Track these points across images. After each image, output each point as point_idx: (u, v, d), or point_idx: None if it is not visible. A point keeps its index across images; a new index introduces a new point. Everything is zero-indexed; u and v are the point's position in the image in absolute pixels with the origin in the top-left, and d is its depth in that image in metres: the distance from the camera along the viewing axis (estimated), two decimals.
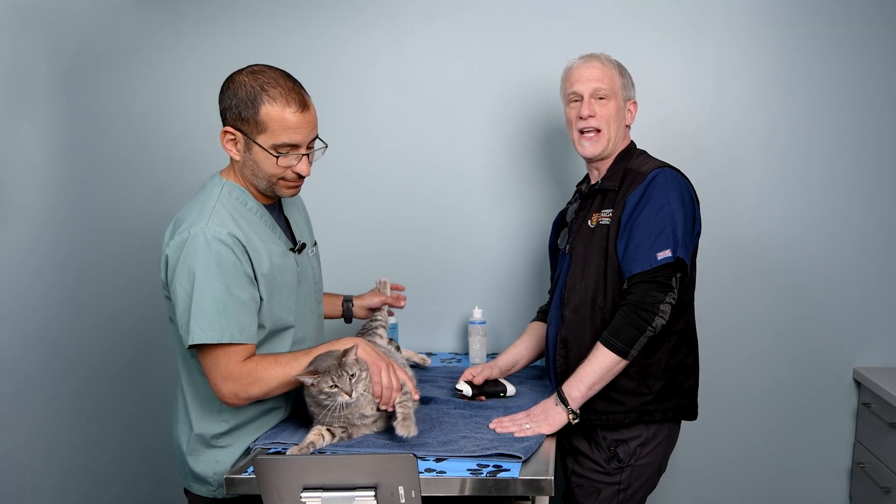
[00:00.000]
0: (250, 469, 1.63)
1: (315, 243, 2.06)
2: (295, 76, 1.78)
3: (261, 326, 1.75)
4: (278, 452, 1.70)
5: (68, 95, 2.67)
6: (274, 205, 1.87)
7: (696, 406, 2.05)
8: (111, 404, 2.78)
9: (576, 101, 2.04)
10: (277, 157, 1.70)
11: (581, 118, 2.01)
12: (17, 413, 2.67)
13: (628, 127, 2.08)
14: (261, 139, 1.70)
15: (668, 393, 1.97)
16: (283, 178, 1.75)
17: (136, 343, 2.76)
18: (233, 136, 1.73)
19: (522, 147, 2.64)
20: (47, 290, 2.70)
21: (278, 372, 1.69)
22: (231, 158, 1.78)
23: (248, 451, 1.78)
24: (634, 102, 2.08)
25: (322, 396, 1.67)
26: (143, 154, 2.70)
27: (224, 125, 1.73)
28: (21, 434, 2.67)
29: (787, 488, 2.71)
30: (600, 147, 2.02)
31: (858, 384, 2.64)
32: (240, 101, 1.69)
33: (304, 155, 1.73)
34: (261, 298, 1.73)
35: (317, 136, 1.77)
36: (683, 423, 2.07)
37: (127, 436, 2.79)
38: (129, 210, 2.71)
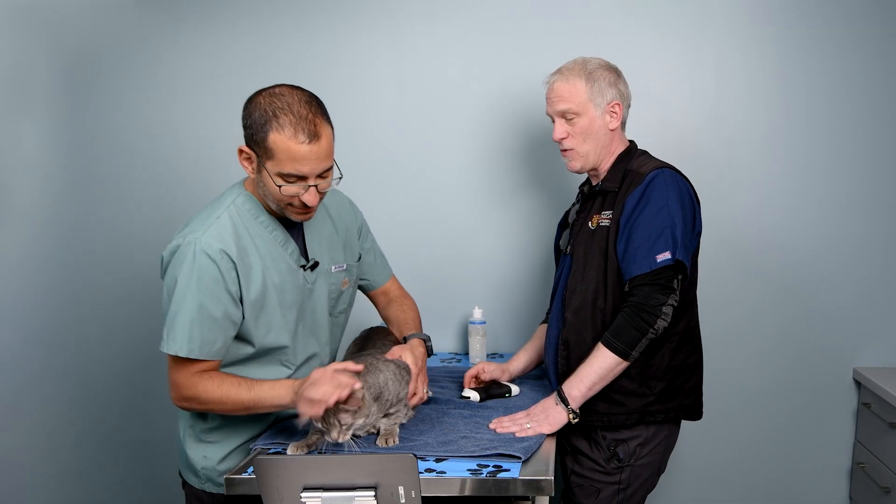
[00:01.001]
0: (250, 469, 1.63)
1: (359, 257, 2.01)
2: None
3: (248, 343, 1.76)
4: (278, 452, 1.70)
5: (68, 95, 2.67)
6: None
7: (701, 406, 2.05)
8: (111, 404, 2.78)
9: (553, 121, 2.05)
10: (281, 187, 1.67)
11: (555, 140, 2.03)
12: (17, 413, 2.67)
13: (615, 130, 2.03)
14: (268, 165, 1.66)
15: (669, 394, 1.97)
16: (290, 205, 1.72)
17: (135, 343, 2.75)
18: (248, 155, 1.71)
19: (522, 147, 2.64)
20: (47, 290, 2.70)
21: (216, 395, 1.69)
22: None
23: (246, 451, 1.79)
24: (618, 103, 2.01)
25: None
26: (142, 154, 2.70)
27: (242, 144, 1.72)
28: (21, 434, 2.68)
29: (787, 488, 2.71)
30: (578, 164, 2.03)
31: (858, 384, 2.64)
32: (253, 123, 1.66)
33: (311, 186, 1.68)
34: (243, 317, 1.73)
35: (331, 166, 1.72)
36: (684, 422, 2.07)
37: (127, 435, 2.79)
38: (129, 210, 2.71)
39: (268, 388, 1.69)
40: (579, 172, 2.07)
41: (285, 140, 1.63)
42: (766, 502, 2.72)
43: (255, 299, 1.73)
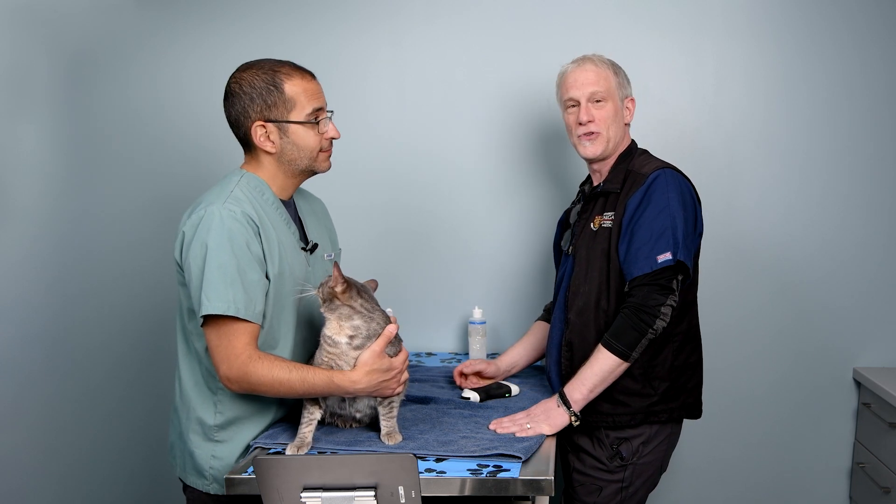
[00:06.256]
0: (250, 469, 1.63)
1: (340, 250, 2.07)
2: None
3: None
4: (278, 452, 1.70)
5: (68, 95, 2.67)
6: (289, 202, 1.88)
7: (701, 404, 2.05)
8: (111, 404, 2.78)
9: (573, 106, 2.03)
10: (318, 123, 1.75)
11: (580, 124, 2.01)
12: (17, 413, 2.66)
13: (628, 125, 2.08)
14: (294, 116, 1.74)
15: (673, 393, 1.97)
16: (321, 150, 1.79)
17: (136, 343, 2.76)
18: (264, 129, 1.75)
19: (522, 147, 2.64)
20: (48, 290, 2.70)
21: (267, 379, 1.65)
22: (258, 152, 1.78)
23: (247, 448, 1.78)
24: (632, 100, 2.08)
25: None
26: (143, 154, 2.70)
27: (252, 124, 1.74)
28: (21, 434, 2.67)
29: (787, 488, 2.71)
30: (601, 147, 2.02)
31: (858, 384, 2.64)
32: (260, 93, 1.72)
33: (329, 118, 1.79)
34: (268, 279, 1.72)
35: None
36: (685, 421, 2.07)
37: (127, 436, 2.79)
38: (130, 210, 2.71)
39: (322, 376, 1.65)
40: (592, 159, 2.05)
41: (300, 81, 1.74)
42: (766, 502, 2.73)
43: (277, 273, 1.74)
